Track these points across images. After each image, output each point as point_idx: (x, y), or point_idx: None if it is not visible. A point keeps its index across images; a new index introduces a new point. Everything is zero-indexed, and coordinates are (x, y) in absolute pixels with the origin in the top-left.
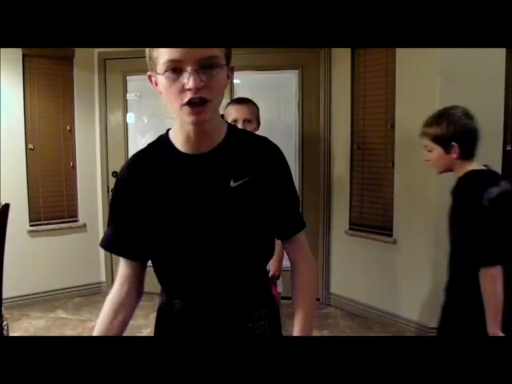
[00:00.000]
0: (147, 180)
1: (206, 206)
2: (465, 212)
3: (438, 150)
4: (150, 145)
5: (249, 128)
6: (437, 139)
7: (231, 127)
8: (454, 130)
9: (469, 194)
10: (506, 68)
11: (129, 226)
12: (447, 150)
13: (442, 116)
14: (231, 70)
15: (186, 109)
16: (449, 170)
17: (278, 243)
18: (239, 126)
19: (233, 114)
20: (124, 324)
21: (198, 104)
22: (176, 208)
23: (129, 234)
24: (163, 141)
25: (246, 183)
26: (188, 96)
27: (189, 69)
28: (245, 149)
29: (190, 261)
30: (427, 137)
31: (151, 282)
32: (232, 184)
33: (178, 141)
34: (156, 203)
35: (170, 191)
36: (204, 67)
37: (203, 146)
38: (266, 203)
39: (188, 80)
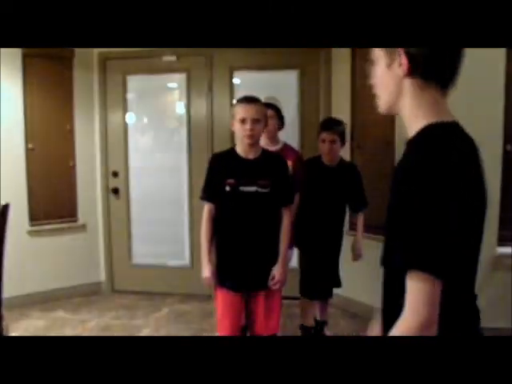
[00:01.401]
0: None
1: None
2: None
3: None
4: None
5: (257, 128)
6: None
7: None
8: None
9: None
10: (505, 68)
11: None
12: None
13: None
14: (396, 59)
15: None
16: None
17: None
18: (247, 126)
19: (240, 113)
20: None
21: None
22: None
23: None
24: None
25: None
26: None
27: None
28: None
29: None
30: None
31: (151, 283)
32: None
33: None
34: None
35: None
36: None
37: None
38: None
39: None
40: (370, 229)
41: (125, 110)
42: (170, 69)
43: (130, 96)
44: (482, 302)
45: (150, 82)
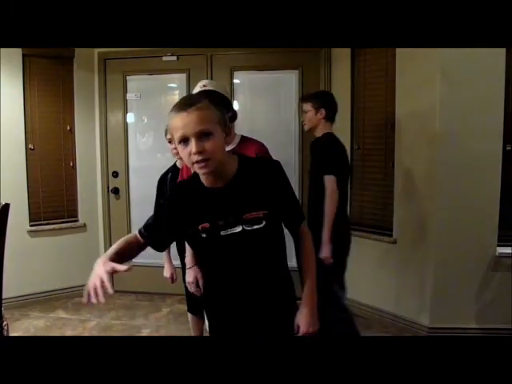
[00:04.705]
0: None
1: None
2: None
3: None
4: None
5: (209, 145)
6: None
7: None
8: None
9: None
10: (505, 68)
11: None
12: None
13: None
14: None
15: None
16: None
17: None
18: (191, 147)
19: (177, 128)
20: None
21: None
22: None
23: None
24: None
25: None
26: None
27: None
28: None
29: None
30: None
31: (151, 283)
32: None
33: None
34: None
35: None
36: None
37: None
38: None
39: None
40: (369, 228)
41: (125, 110)
42: (170, 69)
43: (130, 96)
44: (481, 302)
45: (150, 81)
